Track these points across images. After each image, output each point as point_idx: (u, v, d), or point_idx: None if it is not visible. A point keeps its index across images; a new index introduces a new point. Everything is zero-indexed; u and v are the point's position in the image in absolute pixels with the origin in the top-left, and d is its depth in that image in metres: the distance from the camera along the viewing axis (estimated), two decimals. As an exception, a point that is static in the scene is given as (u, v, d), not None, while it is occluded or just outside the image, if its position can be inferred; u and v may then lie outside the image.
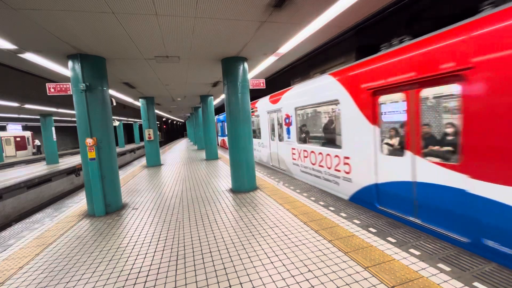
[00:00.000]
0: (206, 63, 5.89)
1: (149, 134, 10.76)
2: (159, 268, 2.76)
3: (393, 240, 3.02)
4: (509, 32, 2.35)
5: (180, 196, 5.63)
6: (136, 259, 2.99)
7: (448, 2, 4.72)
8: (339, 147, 5.14)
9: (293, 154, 7.10)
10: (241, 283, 2.39)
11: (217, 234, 3.51)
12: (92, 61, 4.66)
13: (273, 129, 8.78)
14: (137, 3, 2.98)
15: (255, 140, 10.69)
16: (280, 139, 8.09)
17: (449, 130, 3.22)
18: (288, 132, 7.33)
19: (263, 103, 9.34)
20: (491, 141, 2.54)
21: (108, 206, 4.82)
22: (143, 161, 12.47)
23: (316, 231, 3.38)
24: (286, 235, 3.32)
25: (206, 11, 3.29)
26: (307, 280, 2.37)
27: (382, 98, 3.98)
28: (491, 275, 2.27)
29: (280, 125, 8.08)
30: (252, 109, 9.88)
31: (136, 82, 7.64)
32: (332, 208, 4.20)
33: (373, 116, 4.08)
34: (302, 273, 2.48)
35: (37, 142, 23.58)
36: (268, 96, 8.95)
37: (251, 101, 10.68)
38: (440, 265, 2.46)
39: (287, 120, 7.38)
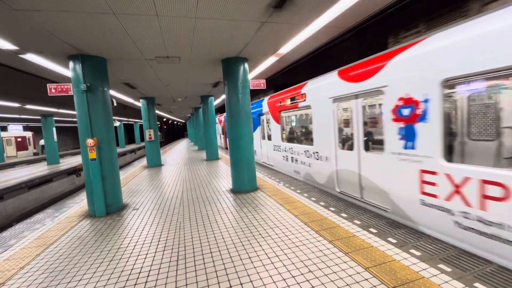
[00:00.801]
0: (207, 64, 5.90)
1: (150, 135, 10.77)
2: (159, 268, 2.76)
3: (394, 241, 3.01)
4: None
5: (181, 196, 5.64)
6: (136, 259, 2.99)
7: None
8: None
9: (431, 184, 3.25)
10: (241, 283, 2.39)
11: (218, 235, 3.51)
12: (93, 61, 4.67)
13: (341, 130, 5.26)
14: (138, 4, 2.99)
15: (296, 147, 6.95)
16: (369, 147, 4.55)
17: None
18: (411, 134, 3.52)
19: (322, 86, 5.51)
20: None
21: (109, 207, 4.83)
22: (144, 161, 12.48)
23: (317, 232, 3.38)
24: (286, 236, 3.32)
25: (206, 12, 3.30)
26: (307, 280, 2.37)
27: None
28: (492, 275, 2.27)
29: (375, 121, 4.74)
30: (293, 97, 6.83)
31: (137, 83, 7.65)
32: (332, 209, 4.20)
33: None
34: (302, 274, 2.48)
35: (42, 141, 23.58)
36: (334, 73, 5.08)
37: (295, 84, 7.19)
38: (441, 266, 2.45)
39: (402, 111, 3.59)
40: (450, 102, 3.70)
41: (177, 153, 16.21)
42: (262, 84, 6.33)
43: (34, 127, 26.86)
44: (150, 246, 3.31)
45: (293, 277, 2.44)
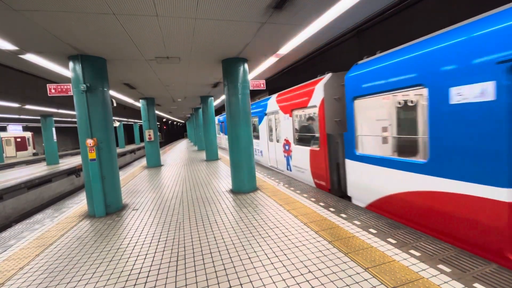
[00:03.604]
0: (207, 64, 5.91)
1: (149, 135, 10.77)
2: (159, 268, 2.76)
3: (394, 241, 3.01)
4: None
5: (181, 197, 5.63)
6: (136, 259, 2.99)
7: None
8: None
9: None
10: (241, 284, 2.39)
11: (217, 235, 3.51)
12: (93, 62, 4.68)
13: None
14: (138, 4, 2.99)
15: None
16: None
17: None
18: None
19: None
20: None
21: (109, 207, 4.83)
22: (143, 161, 12.47)
23: (316, 232, 3.38)
24: (286, 236, 3.32)
25: (206, 12, 3.30)
26: (307, 281, 2.37)
27: None
28: (491, 276, 2.27)
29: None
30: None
31: (137, 83, 7.65)
32: (332, 209, 4.20)
33: None
34: (302, 274, 2.48)
35: None
36: None
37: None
38: (441, 266, 2.46)
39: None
40: None
41: (176, 154, 16.21)
42: (262, 84, 6.34)
43: (33, 127, 26.83)
44: (149, 246, 3.31)
45: (293, 277, 2.44)
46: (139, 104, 11.14)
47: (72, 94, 4.75)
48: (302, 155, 6.38)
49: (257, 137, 10.10)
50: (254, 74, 7.31)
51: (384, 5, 3.81)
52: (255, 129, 11.04)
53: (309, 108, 6.01)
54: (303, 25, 3.98)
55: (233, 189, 5.87)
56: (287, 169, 7.37)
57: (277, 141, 8.01)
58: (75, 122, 21.88)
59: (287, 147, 7.24)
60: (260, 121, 9.50)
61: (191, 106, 16.56)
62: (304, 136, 6.64)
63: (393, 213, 3.81)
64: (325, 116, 5.35)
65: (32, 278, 2.76)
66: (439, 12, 4.68)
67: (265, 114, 8.85)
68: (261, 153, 9.81)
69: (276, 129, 8.18)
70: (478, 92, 2.59)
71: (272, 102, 8.11)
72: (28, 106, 9.98)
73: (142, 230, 3.86)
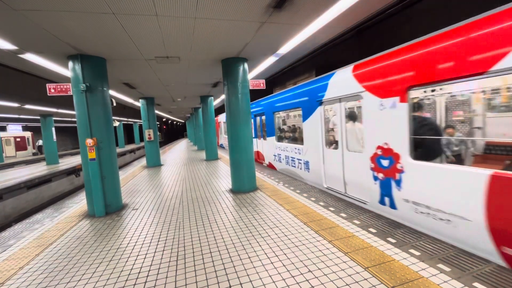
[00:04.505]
0: (206, 64, 5.90)
1: (149, 135, 10.77)
2: (159, 268, 2.76)
3: (393, 241, 3.02)
4: None
5: (180, 196, 5.63)
6: (136, 259, 2.99)
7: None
8: None
9: None
10: (241, 284, 2.39)
11: (217, 235, 3.51)
12: (93, 61, 4.67)
13: None
14: (138, 4, 2.99)
15: None
16: None
17: None
18: None
19: None
20: None
21: (108, 207, 4.83)
22: (143, 161, 12.47)
23: (316, 232, 3.38)
24: (286, 236, 3.32)
25: (206, 12, 3.30)
26: (307, 280, 2.38)
27: None
28: (491, 275, 2.28)
29: None
30: None
31: (136, 83, 7.65)
32: (332, 209, 4.21)
33: None
34: (302, 273, 2.48)
35: (40, 142, 23.44)
36: None
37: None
38: (440, 266, 2.46)
39: None
40: None
41: (176, 153, 16.20)
42: (261, 84, 6.33)
43: (33, 127, 26.81)
44: (149, 246, 3.31)
45: (293, 277, 2.44)
46: (139, 104, 11.14)
47: (71, 94, 4.74)
48: (449, 185, 3.07)
49: (297, 140, 7.06)
50: (255, 73, 7.28)
51: (384, 4, 3.81)
52: (277, 127, 8.25)
53: (499, 74, 2.51)
54: (303, 24, 3.98)
55: (233, 189, 5.87)
56: (383, 203, 4.07)
57: (347, 147, 4.95)
58: (75, 122, 21.87)
59: (385, 163, 3.97)
60: (307, 115, 6.22)
61: (191, 106, 16.55)
62: (453, 144, 3.69)
63: None
64: None
65: (32, 278, 2.76)
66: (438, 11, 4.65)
67: (321, 103, 5.68)
68: (307, 166, 6.43)
69: (342, 127, 5.08)
70: None
71: (343, 80, 4.83)
72: (27, 106, 9.99)
73: (142, 230, 3.86)
